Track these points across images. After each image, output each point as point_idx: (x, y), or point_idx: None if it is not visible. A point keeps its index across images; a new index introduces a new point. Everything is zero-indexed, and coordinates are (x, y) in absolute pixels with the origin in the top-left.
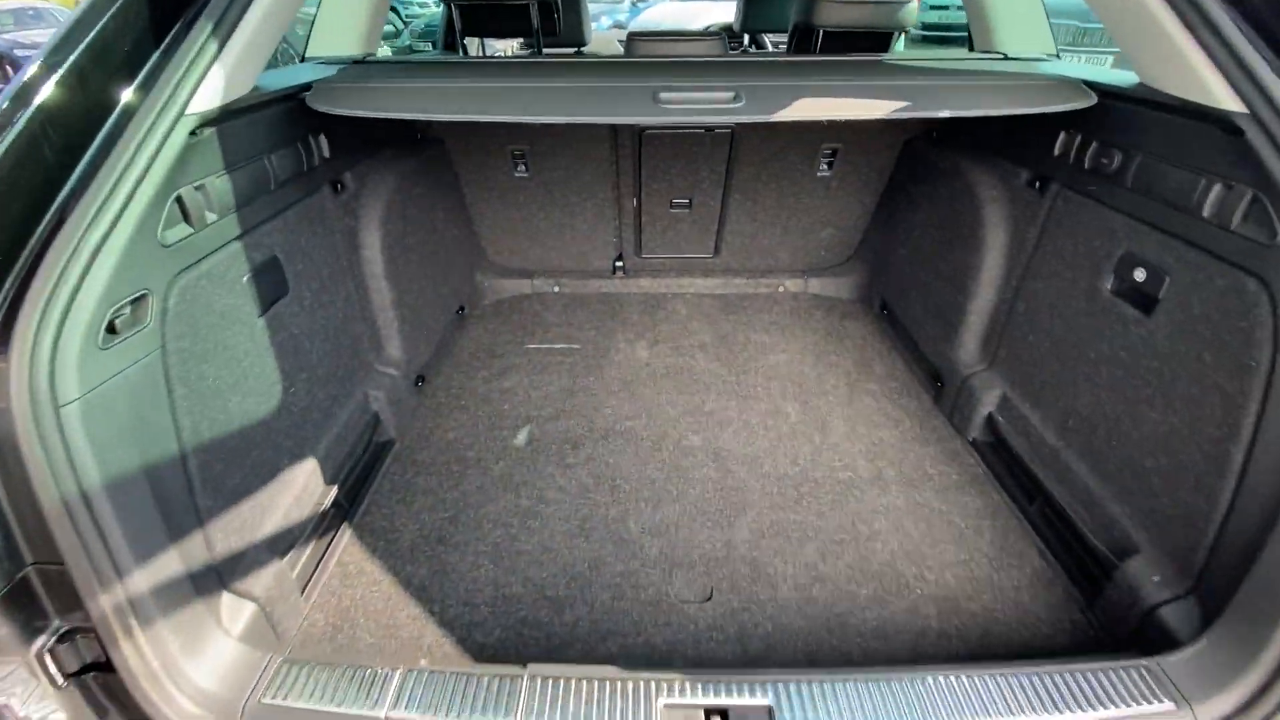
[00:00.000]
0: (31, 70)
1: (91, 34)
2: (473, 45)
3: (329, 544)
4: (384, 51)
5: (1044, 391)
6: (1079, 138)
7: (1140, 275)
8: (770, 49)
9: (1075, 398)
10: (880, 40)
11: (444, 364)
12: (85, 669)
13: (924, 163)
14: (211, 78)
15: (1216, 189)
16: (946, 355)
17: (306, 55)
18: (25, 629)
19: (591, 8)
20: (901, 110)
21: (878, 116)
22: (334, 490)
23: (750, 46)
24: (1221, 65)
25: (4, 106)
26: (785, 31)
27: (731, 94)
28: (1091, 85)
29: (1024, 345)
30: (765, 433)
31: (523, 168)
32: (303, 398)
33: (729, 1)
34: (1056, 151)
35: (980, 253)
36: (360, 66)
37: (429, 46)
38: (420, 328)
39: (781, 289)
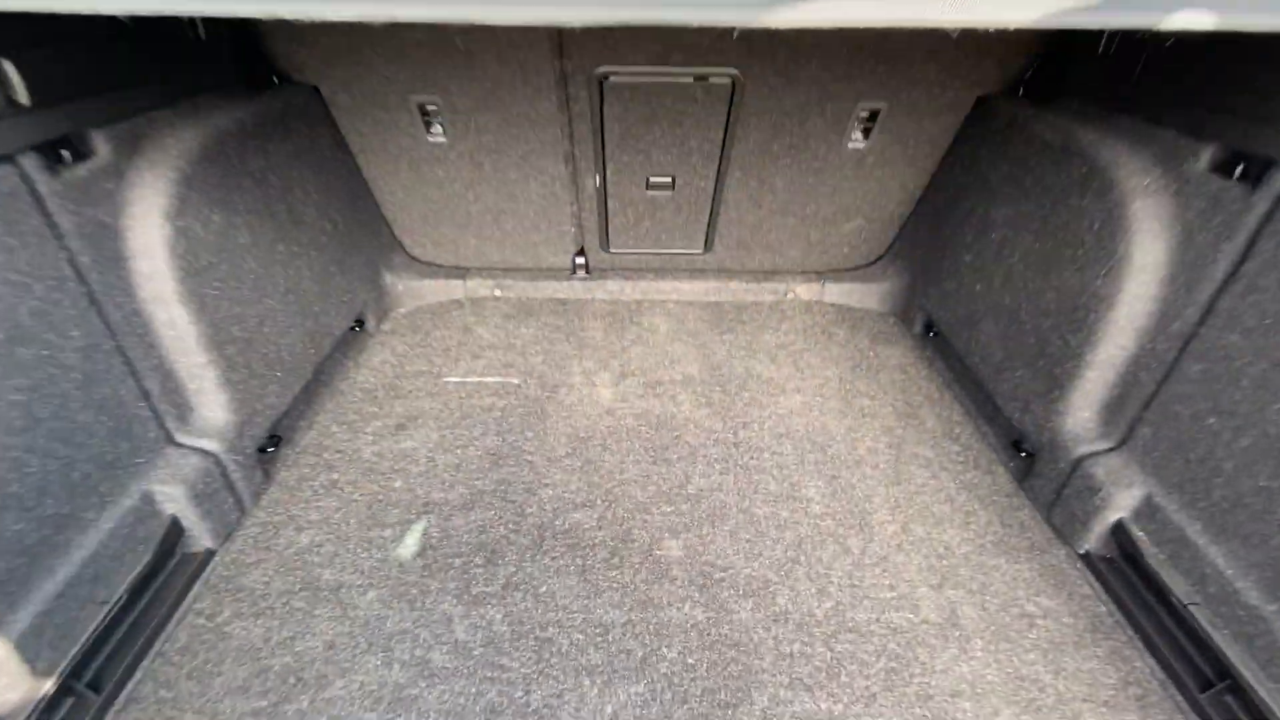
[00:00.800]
0: None
1: None
2: None
3: None
4: None
5: (1238, 512)
6: None
7: None
8: None
9: None
10: None
11: (320, 411)
12: None
13: (1008, 130)
14: None
15: None
16: (1041, 417)
17: None
18: None
19: None
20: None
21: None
22: (50, 682)
23: None
24: None
25: None
26: None
27: None
28: None
29: (1196, 429)
30: (778, 533)
31: (438, 129)
32: None
33: None
34: None
35: (1117, 275)
36: None
37: None
38: (270, 366)
39: (791, 295)
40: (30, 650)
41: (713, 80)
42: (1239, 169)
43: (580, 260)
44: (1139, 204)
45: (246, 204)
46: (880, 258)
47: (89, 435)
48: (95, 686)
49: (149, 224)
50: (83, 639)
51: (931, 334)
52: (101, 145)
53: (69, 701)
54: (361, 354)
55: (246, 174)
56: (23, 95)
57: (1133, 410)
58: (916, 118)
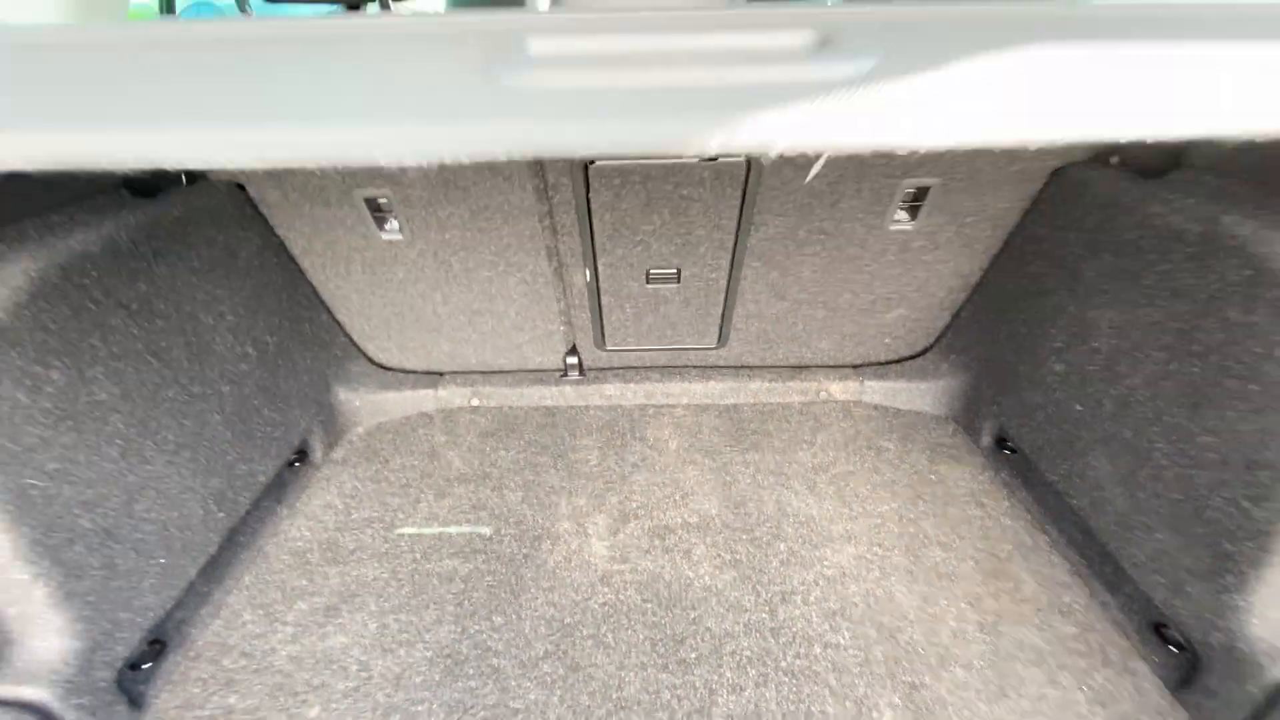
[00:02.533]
0: None
1: None
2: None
3: None
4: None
5: None
6: None
7: None
8: None
9: None
10: None
11: (232, 588)
12: None
13: (1106, 211)
14: None
15: None
16: (1205, 607)
17: None
18: None
19: None
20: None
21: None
22: None
23: None
24: None
25: None
26: None
27: (814, 36)
28: None
29: None
30: None
31: (393, 225)
32: None
33: None
34: None
35: None
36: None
37: None
38: (148, 553)
39: (824, 395)
40: None
41: (723, 160)
42: None
43: (572, 360)
44: None
45: (112, 347)
46: (930, 348)
47: None
48: None
49: None
50: None
51: (1006, 449)
52: None
53: None
54: (300, 496)
55: (116, 307)
56: None
57: None
58: (975, 193)
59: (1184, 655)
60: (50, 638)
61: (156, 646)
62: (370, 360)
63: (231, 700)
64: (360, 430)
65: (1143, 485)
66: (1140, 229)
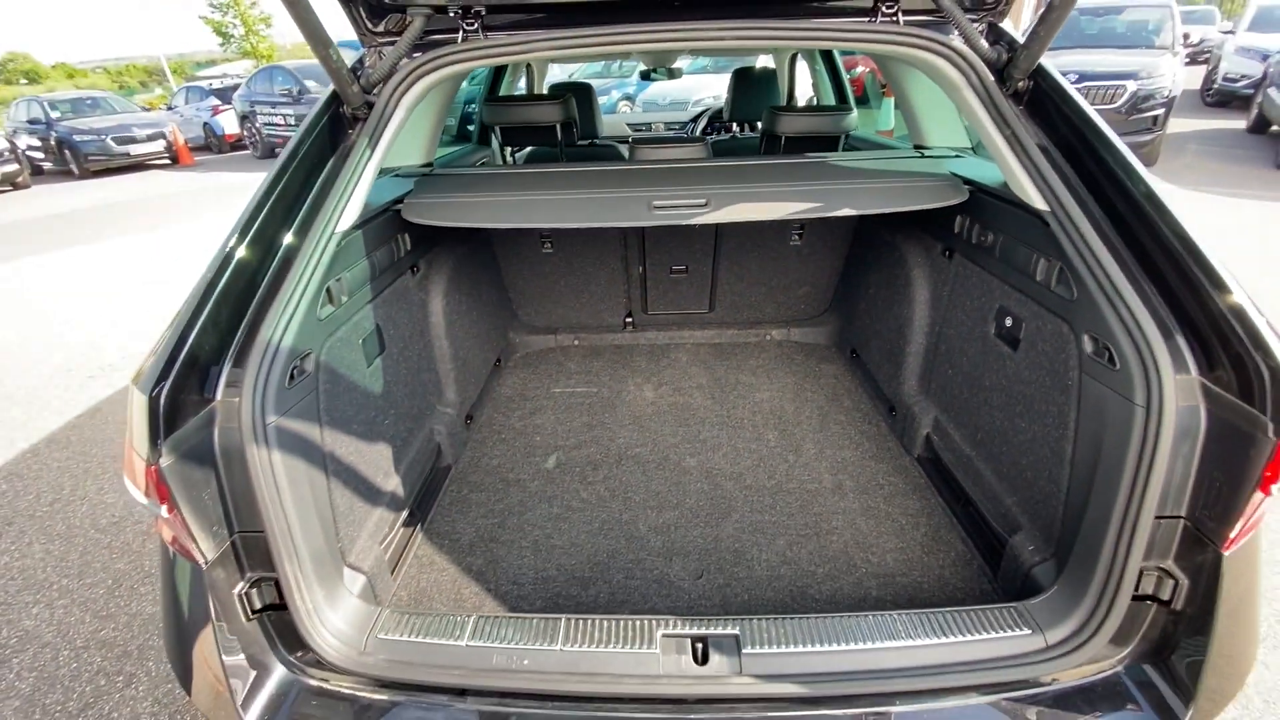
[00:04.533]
0: (242, 219)
1: (274, 195)
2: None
3: (408, 541)
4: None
5: (961, 413)
6: (969, 219)
7: (1009, 322)
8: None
9: (979, 417)
10: (830, 141)
11: (487, 406)
12: (264, 609)
13: (870, 235)
14: (348, 210)
15: (1042, 261)
16: (896, 388)
17: (382, 168)
18: (231, 576)
19: (607, 81)
20: (814, 210)
21: (805, 217)
22: (410, 500)
23: (740, 130)
24: (1034, 178)
25: (230, 247)
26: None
27: (703, 201)
28: (970, 182)
29: (946, 378)
30: (749, 455)
31: (548, 246)
32: (390, 428)
33: (723, 75)
34: (956, 229)
35: (913, 307)
36: (430, 179)
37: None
38: (469, 376)
39: (768, 337)
40: (404, 483)
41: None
42: (947, 253)
43: (629, 319)
44: (916, 271)
45: (465, 290)
46: (825, 311)
47: (417, 394)
48: (421, 510)
49: (436, 300)
50: (415, 487)
51: (854, 355)
52: (423, 265)
53: (410, 515)
54: (501, 378)
55: (464, 275)
56: (409, 246)
57: (928, 375)
58: (827, 227)
59: (894, 413)
60: (452, 393)
61: (469, 418)
62: (521, 319)
63: (503, 437)
64: (519, 354)
65: (882, 348)
66: (877, 241)
